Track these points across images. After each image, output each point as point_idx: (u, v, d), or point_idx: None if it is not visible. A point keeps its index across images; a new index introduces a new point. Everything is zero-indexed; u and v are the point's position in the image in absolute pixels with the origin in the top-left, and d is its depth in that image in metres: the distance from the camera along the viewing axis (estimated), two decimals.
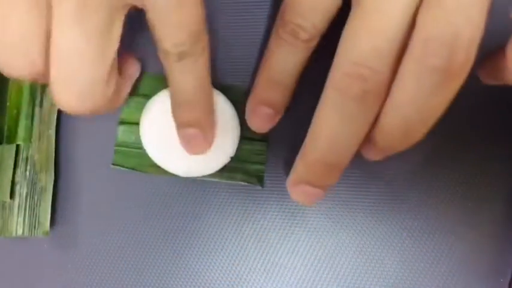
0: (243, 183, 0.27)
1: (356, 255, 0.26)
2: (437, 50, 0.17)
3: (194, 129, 0.23)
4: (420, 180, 0.26)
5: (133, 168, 0.27)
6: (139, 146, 0.27)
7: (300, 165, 0.22)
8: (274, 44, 0.23)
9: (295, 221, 0.26)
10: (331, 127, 0.20)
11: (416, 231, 0.25)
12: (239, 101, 0.26)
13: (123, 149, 0.28)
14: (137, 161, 0.27)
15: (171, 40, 0.20)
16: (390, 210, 0.26)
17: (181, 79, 0.22)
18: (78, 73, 0.19)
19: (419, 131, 0.19)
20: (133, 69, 0.26)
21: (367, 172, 0.26)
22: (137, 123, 0.26)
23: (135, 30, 0.28)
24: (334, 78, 0.19)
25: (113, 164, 0.28)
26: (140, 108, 0.27)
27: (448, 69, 0.17)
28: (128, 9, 0.20)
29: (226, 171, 0.27)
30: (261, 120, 0.25)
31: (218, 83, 0.27)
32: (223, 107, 0.26)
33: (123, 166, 0.28)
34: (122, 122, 0.28)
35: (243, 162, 0.27)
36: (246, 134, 0.27)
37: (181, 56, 0.20)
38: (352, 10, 0.20)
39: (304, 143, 0.22)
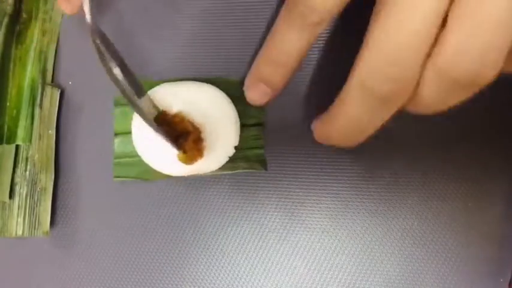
0: (248, 170, 0.26)
1: (356, 255, 0.26)
2: (464, 64, 0.17)
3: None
4: (420, 180, 0.26)
5: (135, 177, 0.27)
6: (137, 154, 0.26)
7: None
8: (281, 24, 0.22)
9: (295, 221, 0.26)
10: (352, 116, 0.20)
11: (416, 231, 0.25)
12: (232, 93, 0.26)
13: (122, 160, 0.27)
14: (138, 169, 0.27)
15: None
16: (390, 210, 0.26)
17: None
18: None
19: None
20: None
21: (367, 172, 0.26)
22: (131, 132, 0.26)
23: (135, 36, 0.28)
24: (361, 74, 0.19)
25: (115, 177, 0.27)
26: (131, 118, 0.26)
27: (472, 84, 0.17)
28: None
29: (227, 161, 0.26)
30: (259, 96, 0.25)
31: (211, 77, 0.27)
32: (220, 99, 0.26)
33: (125, 177, 0.27)
34: (117, 134, 0.27)
35: (242, 150, 0.27)
36: (241, 122, 0.27)
37: None
38: (378, 4, 0.18)
39: None
